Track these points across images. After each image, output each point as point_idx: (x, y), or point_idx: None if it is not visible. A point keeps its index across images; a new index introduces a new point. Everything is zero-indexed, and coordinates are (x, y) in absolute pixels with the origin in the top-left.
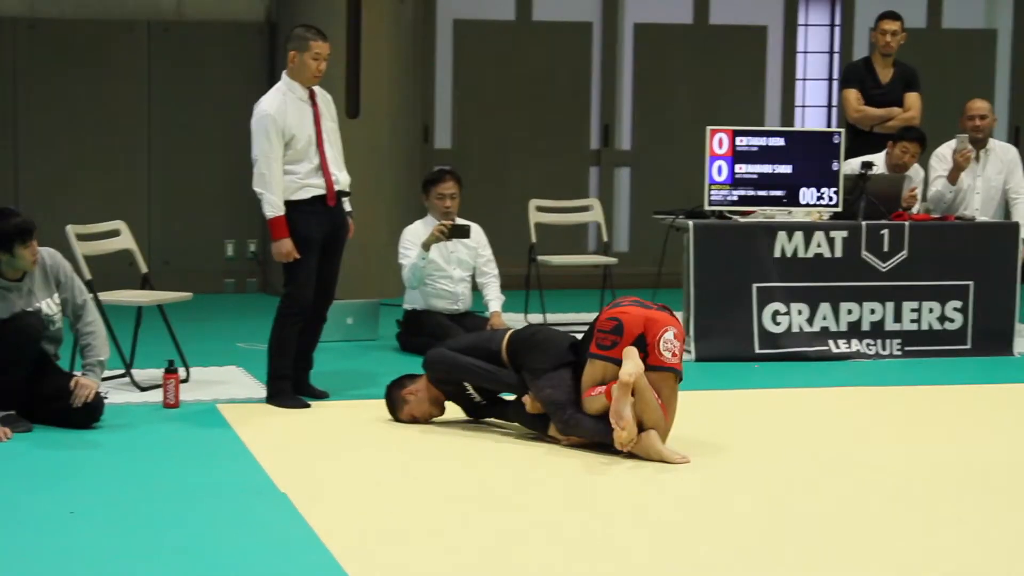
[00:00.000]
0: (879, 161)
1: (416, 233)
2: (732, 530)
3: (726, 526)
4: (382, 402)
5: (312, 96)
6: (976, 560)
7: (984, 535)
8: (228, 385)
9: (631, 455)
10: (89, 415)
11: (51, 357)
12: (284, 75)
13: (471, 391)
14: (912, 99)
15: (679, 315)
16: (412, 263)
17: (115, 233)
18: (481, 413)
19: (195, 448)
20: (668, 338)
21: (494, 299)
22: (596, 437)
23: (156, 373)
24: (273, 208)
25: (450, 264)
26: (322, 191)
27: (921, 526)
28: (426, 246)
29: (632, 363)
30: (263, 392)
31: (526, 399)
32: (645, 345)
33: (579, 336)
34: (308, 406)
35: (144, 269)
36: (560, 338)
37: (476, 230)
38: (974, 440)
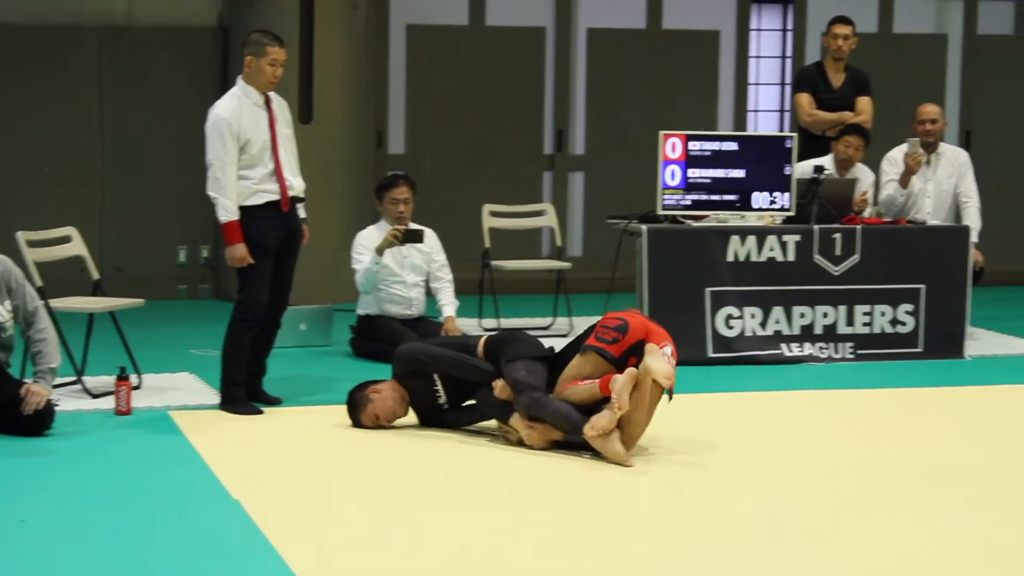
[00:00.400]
0: (828, 163)
1: (369, 238)
2: (701, 532)
3: (696, 529)
4: (336, 408)
5: (268, 101)
6: (950, 561)
7: (951, 535)
8: (181, 392)
9: (591, 453)
10: (40, 422)
11: (2, 364)
12: (240, 80)
13: (438, 387)
14: (864, 103)
15: None
16: (366, 268)
17: (66, 239)
18: (440, 419)
19: (147, 455)
20: (667, 352)
21: (448, 304)
22: (558, 422)
23: (108, 380)
24: (227, 212)
25: (404, 269)
26: (276, 196)
27: (887, 527)
28: (380, 251)
29: (662, 362)
30: (216, 399)
31: (496, 383)
32: (642, 354)
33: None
34: (261, 412)
35: (96, 275)
36: (539, 342)
37: (430, 235)
38: (930, 442)
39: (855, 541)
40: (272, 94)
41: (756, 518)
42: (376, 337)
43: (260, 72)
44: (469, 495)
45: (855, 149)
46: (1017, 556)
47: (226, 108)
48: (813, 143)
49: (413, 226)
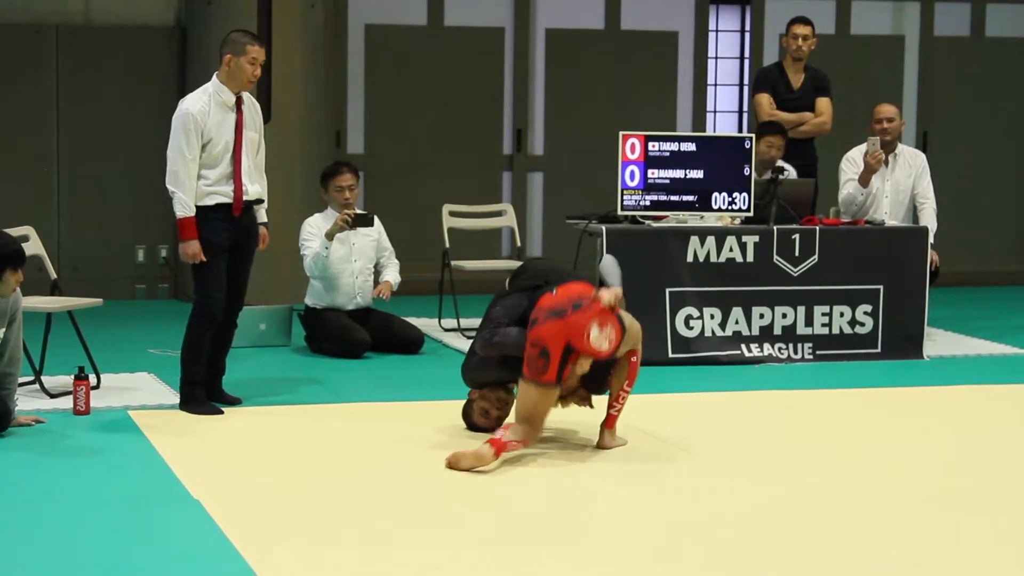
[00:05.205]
0: None
1: (316, 224)
2: (657, 534)
3: (651, 530)
4: (295, 408)
5: (239, 103)
6: (914, 560)
7: (911, 534)
8: (140, 391)
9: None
10: None
11: None
12: (215, 77)
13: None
14: (823, 104)
15: None
16: (315, 252)
17: (24, 239)
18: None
19: (107, 455)
20: (595, 336)
21: (391, 274)
22: (516, 351)
23: (66, 380)
24: (183, 208)
25: (352, 257)
26: (228, 200)
27: (849, 526)
28: (329, 236)
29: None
30: (175, 398)
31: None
32: (575, 351)
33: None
34: (221, 412)
35: (54, 275)
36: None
37: (375, 221)
38: (890, 442)
39: (821, 541)
40: (246, 96)
41: (716, 518)
42: (323, 332)
43: (239, 71)
44: (427, 498)
45: (776, 149)
46: (978, 555)
47: (194, 104)
48: None
49: (360, 211)
